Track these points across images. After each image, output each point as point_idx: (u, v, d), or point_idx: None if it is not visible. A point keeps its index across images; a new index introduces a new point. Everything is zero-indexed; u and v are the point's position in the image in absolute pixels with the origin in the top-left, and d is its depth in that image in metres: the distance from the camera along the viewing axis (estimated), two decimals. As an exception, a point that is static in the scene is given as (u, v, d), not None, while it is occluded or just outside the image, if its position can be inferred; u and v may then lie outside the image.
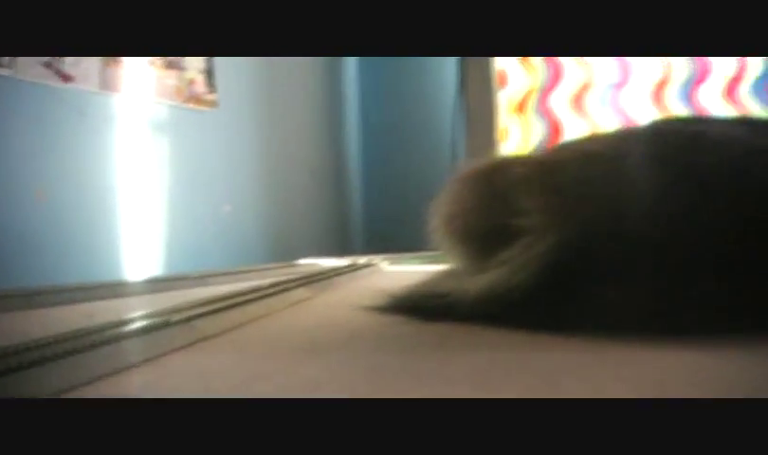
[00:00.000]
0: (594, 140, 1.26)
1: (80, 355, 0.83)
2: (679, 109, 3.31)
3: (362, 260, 2.74)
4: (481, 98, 3.50)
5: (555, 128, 3.42)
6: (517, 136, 3.47)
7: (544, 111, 3.44)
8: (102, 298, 1.70)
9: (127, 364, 0.84)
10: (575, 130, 3.39)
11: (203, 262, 2.66)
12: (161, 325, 1.04)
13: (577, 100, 3.40)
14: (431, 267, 2.27)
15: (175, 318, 1.09)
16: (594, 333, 0.92)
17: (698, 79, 3.31)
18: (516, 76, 3.47)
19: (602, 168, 1.06)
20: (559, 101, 3.43)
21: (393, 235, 3.76)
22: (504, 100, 3.49)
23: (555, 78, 3.42)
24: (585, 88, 3.39)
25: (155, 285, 1.92)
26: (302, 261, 2.87)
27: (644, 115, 3.32)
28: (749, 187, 0.96)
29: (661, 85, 3.33)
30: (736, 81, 3.30)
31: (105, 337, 0.92)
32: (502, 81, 3.48)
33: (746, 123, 1.15)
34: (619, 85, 3.35)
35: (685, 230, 0.94)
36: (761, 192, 0.95)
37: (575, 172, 1.07)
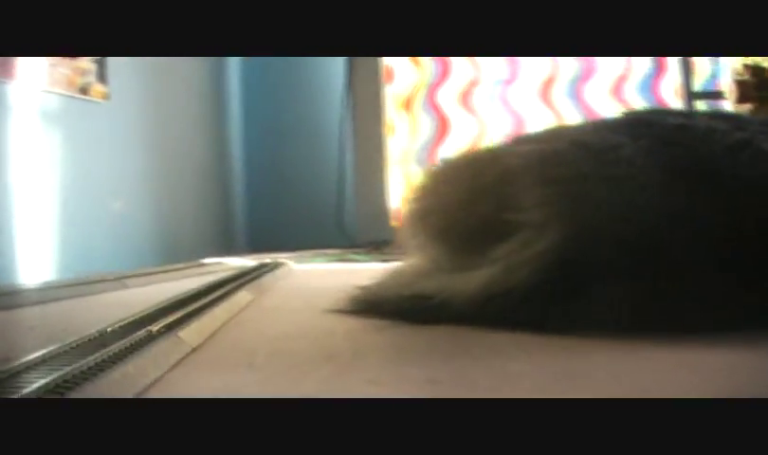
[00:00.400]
0: (579, 131, 1.20)
1: (87, 383, 0.71)
2: (566, 106, 3.36)
3: (268, 259, 2.65)
4: (368, 94, 3.46)
5: (443, 124, 3.43)
6: (404, 132, 3.46)
7: (432, 107, 3.44)
8: (16, 305, 1.54)
9: (137, 389, 0.73)
10: (462, 126, 3.41)
11: (94, 262, 2.50)
12: (145, 338, 0.92)
13: (465, 97, 3.42)
14: (342, 265, 2.20)
15: (156, 327, 0.99)
16: (599, 333, 0.89)
17: (584, 76, 3.38)
18: (403, 71, 3.45)
19: (600, 161, 1.01)
20: (447, 97, 3.44)
21: (279, 233, 3.69)
22: (391, 95, 3.48)
23: (443, 74, 3.42)
24: (473, 84, 3.41)
25: (73, 290, 1.78)
26: (208, 260, 2.75)
27: (532, 112, 3.37)
28: (740, 180, 0.95)
29: (548, 83, 3.38)
30: (622, 79, 3.38)
31: (98, 357, 0.80)
32: (389, 77, 3.45)
33: (721, 117, 1.13)
34: (507, 82, 3.40)
35: (685, 227, 0.92)
36: (753, 186, 0.94)
37: (573, 165, 1.01)
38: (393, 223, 3.37)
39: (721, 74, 3.37)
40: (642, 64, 3.38)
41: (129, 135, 2.89)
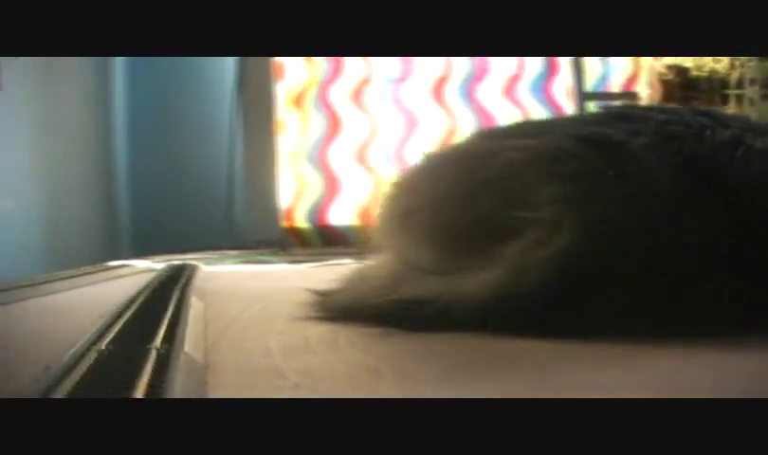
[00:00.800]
0: (564, 125, 1.15)
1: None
2: (459, 106, 3.32)
3: (176, 261, 2.50)
4: (259, 91, 3.37)
5: (334, 122, 3.35)
6: (295, 130, 3.36)
7: (324, 104, 3.36)
8: None
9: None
10: (354, 124, 3.34)
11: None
12: (157, 358, 0.80)
13: (357, 95, 3.35)
14: (257, 267, 2.11)
15: (155, 343, 0.88)
16: (619, 337, 0.85)
17: (477, 76, 3.35)
18: (294, 68, 3.36)
19: (609, 156, 0.96)
20: (339, 95, 3.36)
21: (166, 234, 3.56)
22: (282, 92, 3.37)
23: (335, 71, 3.33)
24: (365, 82, 3.35)
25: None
26: (113, 263, 2.61)
27: (424, 111, 3.33)
28: (739, 178, 0.93)
29: (441, 82, 3.34)
30: (515, 79, 3.37)
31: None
32: (280, 74, 3.35)
33: (699, 113, 1.09)
34: (400, 81, 3.35)
35: (699, 225, 0.90)
36: (753, 185, 0.93)
37: (585, 161, 0.96)
38: (284, 222, 3.29)
39: (611, 75, 3.40)
40: (534, 65, 3.37)
41: (20, 129, 2.81)
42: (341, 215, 3.30)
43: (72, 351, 0.83)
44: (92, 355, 0.81)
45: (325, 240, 3.29)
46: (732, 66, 3.03)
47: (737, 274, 0.90)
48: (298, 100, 3.35)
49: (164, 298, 1.34)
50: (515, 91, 3.36)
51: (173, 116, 3.80)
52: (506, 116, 3.32)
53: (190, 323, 1.07)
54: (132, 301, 1.28)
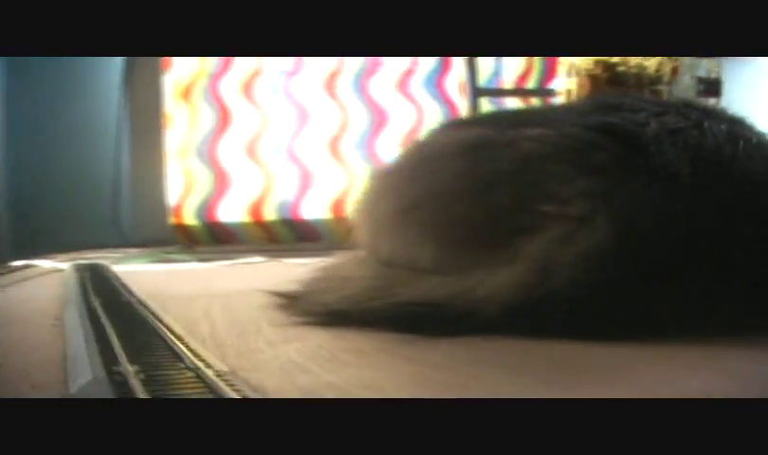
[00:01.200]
0: (558, 113, 1.09)
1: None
2: (351, 100, 3.27)
3: (82, 261, 2.37)
4: (146, 83, 3.27)
5: (224, 115, 3.25)
6: (183, 124, 3.25)
7: (214, 97, 3.26)
8: None
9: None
10: (245, 118, 3.25)
11: None
12: (190, 375, 0.70)
13: (248, 88, 3.26)
14: (175, 266, 2.02)
15: (190, 361, 0.76)
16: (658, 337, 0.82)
17: (370, 70, 3.29)
18: (182, 60, 3.24)
19: (630, 148, 0.90)
20: (229, 88, 3.26)
21: (49, 234, 3.40)
22: (170, 84, 3.25)
23: (225, 63, 3.24)
24: (256, 75, 3.26)
25: None
26: (18, 263, 2.48)
27: (316, 104, 3.27)
28: (748, 173, 0.90)
29: (333, 75, 3.28)
30: (408, 74, 3.33)
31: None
32: (167, 65, 3.24)
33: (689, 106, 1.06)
34: (291, 73, 3.27)
35: (726, 219, 0.86)
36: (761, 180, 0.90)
37: (609, 152, 0.91)
38: (172, 220, 3.19)
39: (503, 71, 3.41)
40: (427, 60, 3.34)
41: None
42: (231, 212, 3.21)
43: (92, 375, 0.71)
44: (131, 381, 0.69)
45: (215, 238, 3.19)
46: (661, 63, 3.06)
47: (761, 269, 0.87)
48: (186, 93, 3.24)
49: (118, 302, 1.22)
50: (408, 86, 3.33)
51: (57, 114, 3.65)
52: (400, 110, 3.29)
53: (181, 333, 0.95)
54: (81, 306, 1.16)
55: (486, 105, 3.35)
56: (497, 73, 3.41)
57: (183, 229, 3.21)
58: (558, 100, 3.07)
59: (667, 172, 0.88)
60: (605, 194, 0.88)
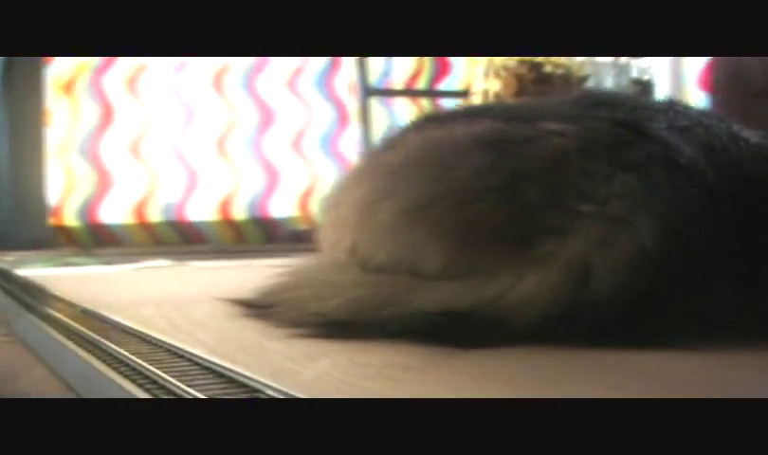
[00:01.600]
0: (556, 106, 1.03)
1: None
2: (239, 97, 3.23)
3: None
4: (25, 78, 3.14)
5: (107, 112, 3.15)
6: (64, 120, 3.13)
7: (97, 92, 3.15)
8: None
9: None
10: (129, 115, 3.16)
11: None
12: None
13: (132, 83, 3.17)
14: (84, 270, 1.90)
15: (245, 379, 0.68)
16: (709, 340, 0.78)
17: (258, 68, 3.25)
18: (64, 53, 3.14)
19: (658, 145, 0.86)
20: (113, 83, 3.16)
21: None
22: (50, 78, 3.13)
23: (108, 57, 3.15)
24: (141, 70, 3.17)
25: None
26: None
27: (203, 101, 3.21)
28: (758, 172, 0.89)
29: (221, 72, 3.22)
30: (297, 72, 3.30)
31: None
32: (48, 58, 3.11)
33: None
34: (177, 69, 3.19)
35: (755, 222, 0.85)
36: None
37: (642, 150, 0.86)
38: (52, 220, 3.07)
39: (392, 71, 3.40)
40: (317, 59, 3.32)
41: None
42: (115, 213, 3.11)
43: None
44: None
45: (97, 240, 3.08)
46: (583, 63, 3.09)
47: None
48: (68, 88, 3.13)
49: (77, 315, 1.08)
50: (297, 84, 3.29)
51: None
52: (289, 109, 3.25)
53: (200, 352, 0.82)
54: (35, 319, 1.06)
55: (377, 105, 3.35)
56: (386, 73, 3.41)
57: (64, 231, 3.09)
58: (476, 100, 3.06)
59: (696, 169, 0.85)
60: (644, 194, 0.83)
